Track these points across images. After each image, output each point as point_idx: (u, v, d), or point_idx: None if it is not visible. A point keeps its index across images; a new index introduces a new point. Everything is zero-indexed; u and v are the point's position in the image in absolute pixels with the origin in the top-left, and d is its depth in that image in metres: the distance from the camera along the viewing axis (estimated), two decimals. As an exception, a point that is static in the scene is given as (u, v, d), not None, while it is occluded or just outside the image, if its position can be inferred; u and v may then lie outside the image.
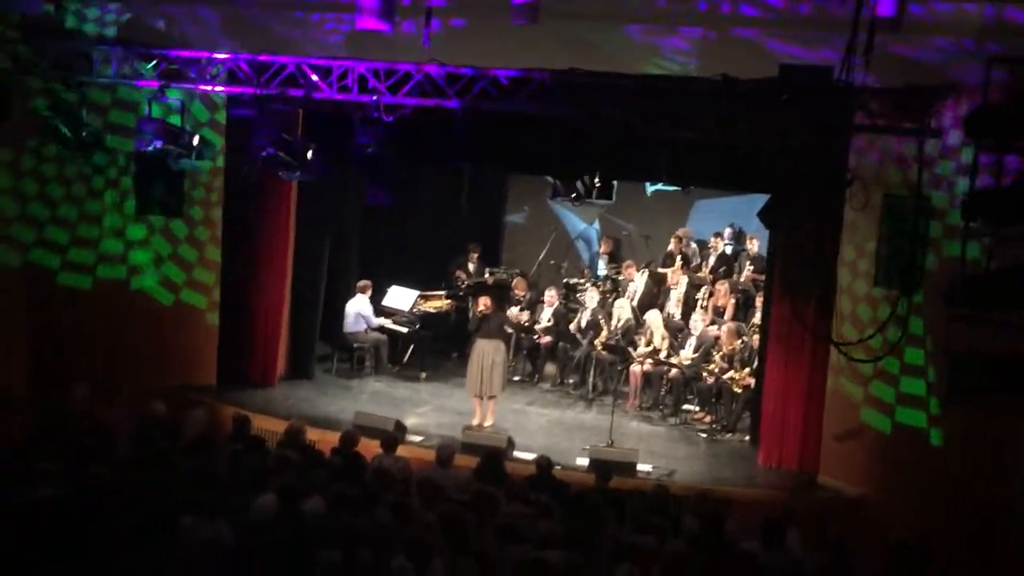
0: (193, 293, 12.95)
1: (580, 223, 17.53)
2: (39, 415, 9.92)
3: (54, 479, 7.50)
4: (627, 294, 14.63)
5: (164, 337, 12.81)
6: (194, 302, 12.95)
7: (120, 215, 12.59)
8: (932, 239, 9.73)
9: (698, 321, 13.25)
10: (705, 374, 12.73)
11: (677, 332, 13.71)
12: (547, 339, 14.17)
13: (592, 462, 10.75)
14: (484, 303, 12.29)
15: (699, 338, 13.07)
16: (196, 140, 11.05)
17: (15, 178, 12.22)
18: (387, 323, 14.36)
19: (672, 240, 15.48)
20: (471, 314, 13.28)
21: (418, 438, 11.48)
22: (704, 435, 12.48)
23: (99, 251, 12.64)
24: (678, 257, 15.14)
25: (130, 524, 6.93)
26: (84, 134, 11.11)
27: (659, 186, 14.56)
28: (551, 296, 14.38)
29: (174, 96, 11.09)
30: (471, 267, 15.82)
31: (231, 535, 7.05)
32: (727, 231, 15.56)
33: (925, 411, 10.01)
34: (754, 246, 14.88)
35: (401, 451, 10.15)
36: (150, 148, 10.68)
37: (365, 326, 14.06)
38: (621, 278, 15.25)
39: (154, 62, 10.72)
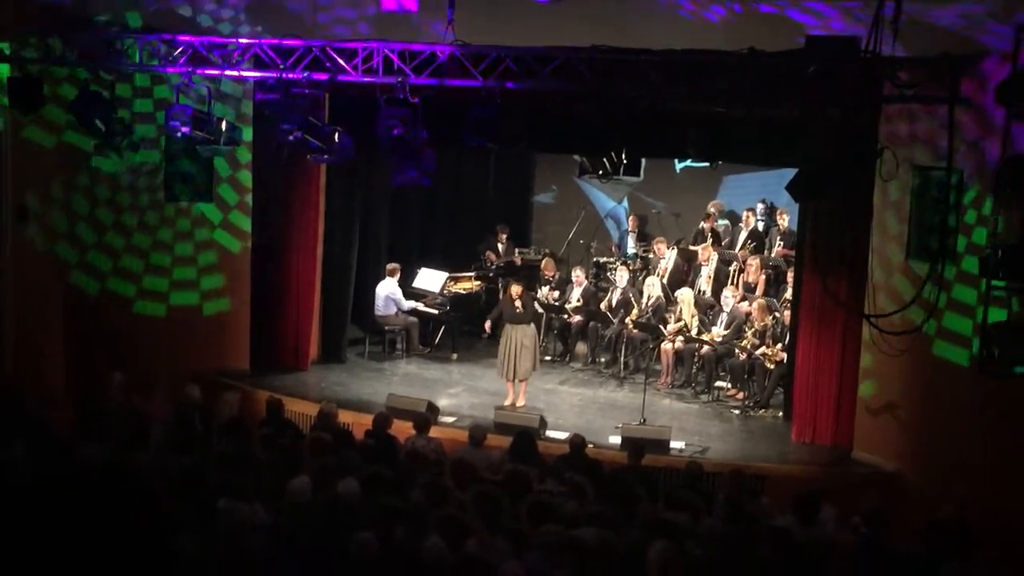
0: (223, 278, 13.09)
1: (609, 202, 17.46)
2: (77, 406, 10.03)
3: (95, 464, 7.60)
4: (657, 271, 14.58)
5: (196, 324, 12.94)
6: (223, 287, 13.10)
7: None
8: (965, 208, 9.60)
9: (729, 297, 13.17)
10: (737, 350, 12.67)
11: (708, 309, 13.66)
12: (577, 318, 14.16)
13: (625, 440, 10.73)
14: (516, 291, 12.24)
15: (730, 314, 13.01)
16: (224, 126, 11.11)
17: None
18: (418, 306, 14.39)
19: (703, 218, 15.39)
20: (502, 296, 13.24)
21: (450, 419, 11.52)
22: (737, 412, 12.43)
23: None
24: (708, 234, 15.06)
25: (169, 506, 7.01)
26: (115, 123, 11.18)
27: (688, 163, 14.46)
28: (578, 276, 14.36)
29: (200, 83, 11.15)
30: (500, 248, 15.81)
31: (267, 517, 7.10)
32: (759, 206, 15.42)
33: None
34: (784, 221, 14.75)
35: (434, 432, 10.20)
36: (178, 135, 10.75)
37: (396, 309, 14.09)
38: (651, 256, 15.19)
39: (180, 49, 10.76)
